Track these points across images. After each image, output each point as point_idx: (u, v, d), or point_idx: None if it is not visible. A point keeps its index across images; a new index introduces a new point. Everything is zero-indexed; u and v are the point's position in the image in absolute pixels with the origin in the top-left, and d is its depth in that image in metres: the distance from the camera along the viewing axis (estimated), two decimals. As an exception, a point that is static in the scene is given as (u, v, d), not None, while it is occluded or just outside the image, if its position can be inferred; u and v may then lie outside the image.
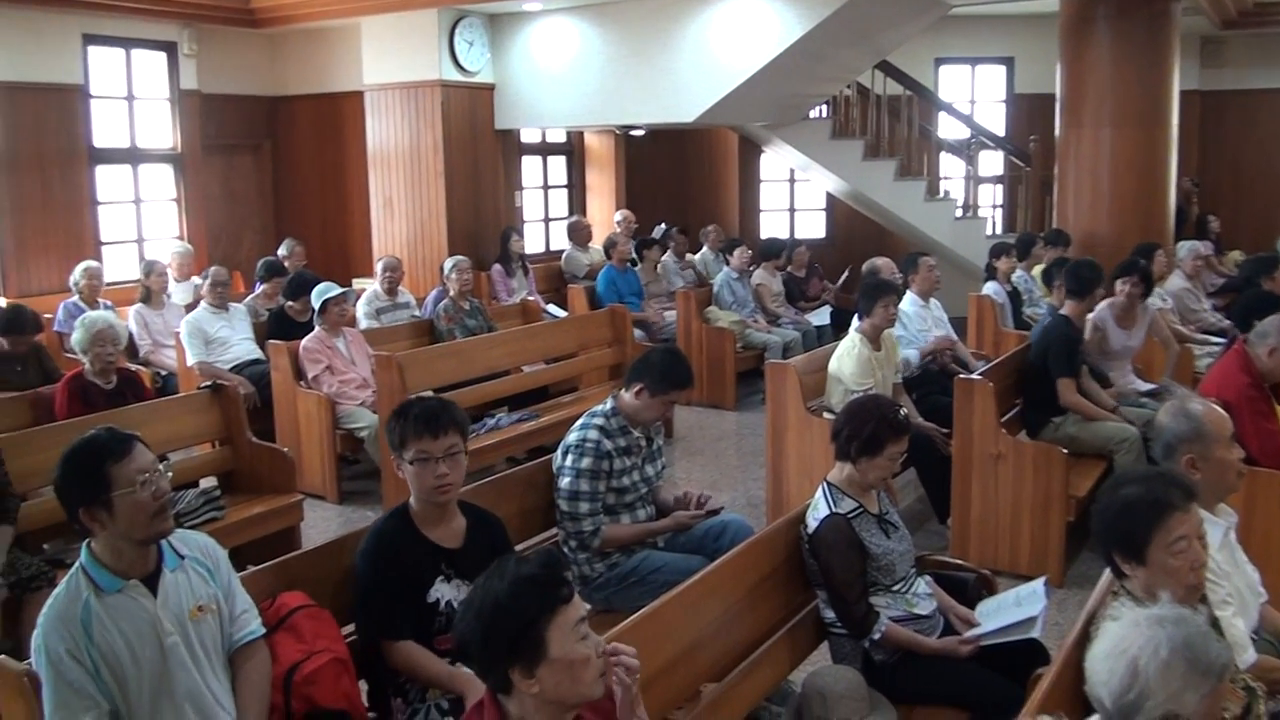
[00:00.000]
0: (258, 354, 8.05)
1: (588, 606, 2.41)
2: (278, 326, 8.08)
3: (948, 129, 13.20)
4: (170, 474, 2.98)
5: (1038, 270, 9.44)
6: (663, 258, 11.36)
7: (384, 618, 3.37)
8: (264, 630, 3.15)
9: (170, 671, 2.86)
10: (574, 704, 2.34)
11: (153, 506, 2.86)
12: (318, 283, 7.71)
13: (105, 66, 11.01)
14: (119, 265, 10.94)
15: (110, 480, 2.82)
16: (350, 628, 3.52)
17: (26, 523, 4.97)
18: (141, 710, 2.83)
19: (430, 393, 6.79)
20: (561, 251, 12.21)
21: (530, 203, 13.08)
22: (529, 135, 12.83)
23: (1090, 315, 6.72)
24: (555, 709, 2.31)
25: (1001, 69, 14.72)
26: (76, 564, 2.88)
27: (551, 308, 10.37)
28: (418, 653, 3.33)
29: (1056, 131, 10.20)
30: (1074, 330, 6.39)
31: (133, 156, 11.35)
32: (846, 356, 6.24)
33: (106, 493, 2.82)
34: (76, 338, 6.16)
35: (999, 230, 12.53)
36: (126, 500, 2.82)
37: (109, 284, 9.43)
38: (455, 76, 10.88)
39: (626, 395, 4.51)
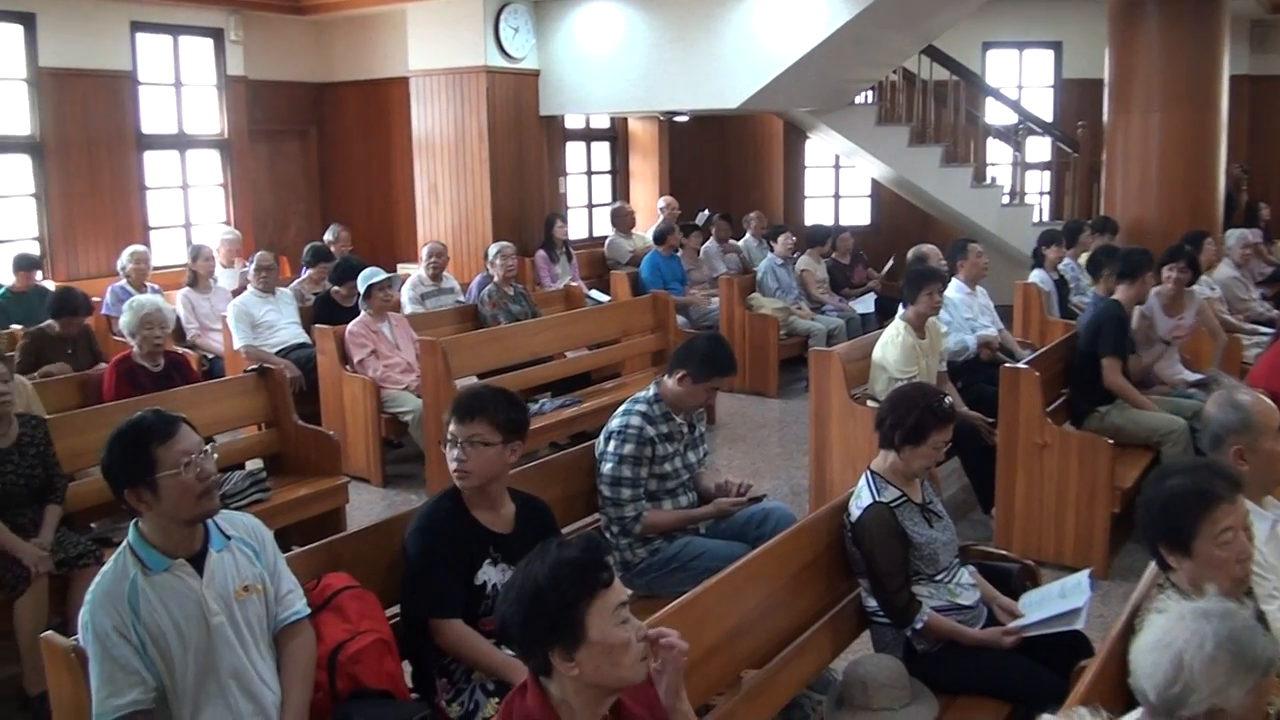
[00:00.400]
0: (304, 338, 8.13)
1: (629, 592, 2.42)
2: (324, 311, 8.15)
3: (995, 114, 13.06)
4: (216, 455, 3.01)
5: (1085, 258, 9.34)
6: (705, 244, 11.34)
7: (434, 595, 3.40)
8: (309, 610, 3.18)
9: (216, 650, 2.90)
10: (614, 688, 2.35)
11: (198, 488, 2.89)
12: (364, 268, 7.76)
13: (153, 53, 11.13)
14: (166, 250, 11.07)
15: (155, 461, 2.86)
16: (394, 609, 3.55)
17: (74, 502, 5.06)
18: (186, 688, 2.86)
19: (474, 379, 6.86)
20: (605, 237, 12.22)
21: (574, 189, 13.11)
22: (573, 121, 12.84)
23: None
24: (596, 692, 2.32)
25: (1049, 53, 14.54)
26: (124, 543, 2.92)
27: (594, 293, 10.39)
28: (468, 633, 3.35)
29: (1105, 117, 10.08)
30: (1125, 314, 6.35)
31: (180, 142, 11.47)
32: (891, 344, 6.21)
33: (152, 474, 2.85)
34: (124, 321, 6.24)
35: (1046, 217, 12.39)
36: (171, 481, 2.85)
37: (156, 268, 9.53)
38: (500, 63, 10.89)
39: (669, 381, 4.51)
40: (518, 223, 11.13)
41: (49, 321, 7.08)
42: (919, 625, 3.69)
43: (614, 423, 4.50)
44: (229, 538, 3.04)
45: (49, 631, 2.95)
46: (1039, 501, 5.79)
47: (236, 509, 4.26)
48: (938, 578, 3.79)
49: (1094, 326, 6.29)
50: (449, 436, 3.46)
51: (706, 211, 12.65)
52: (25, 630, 4.37)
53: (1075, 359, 6.43)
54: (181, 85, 11.44)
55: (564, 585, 2.27)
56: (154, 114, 11.16)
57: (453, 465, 3.45)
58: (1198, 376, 6.85)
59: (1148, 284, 6.56)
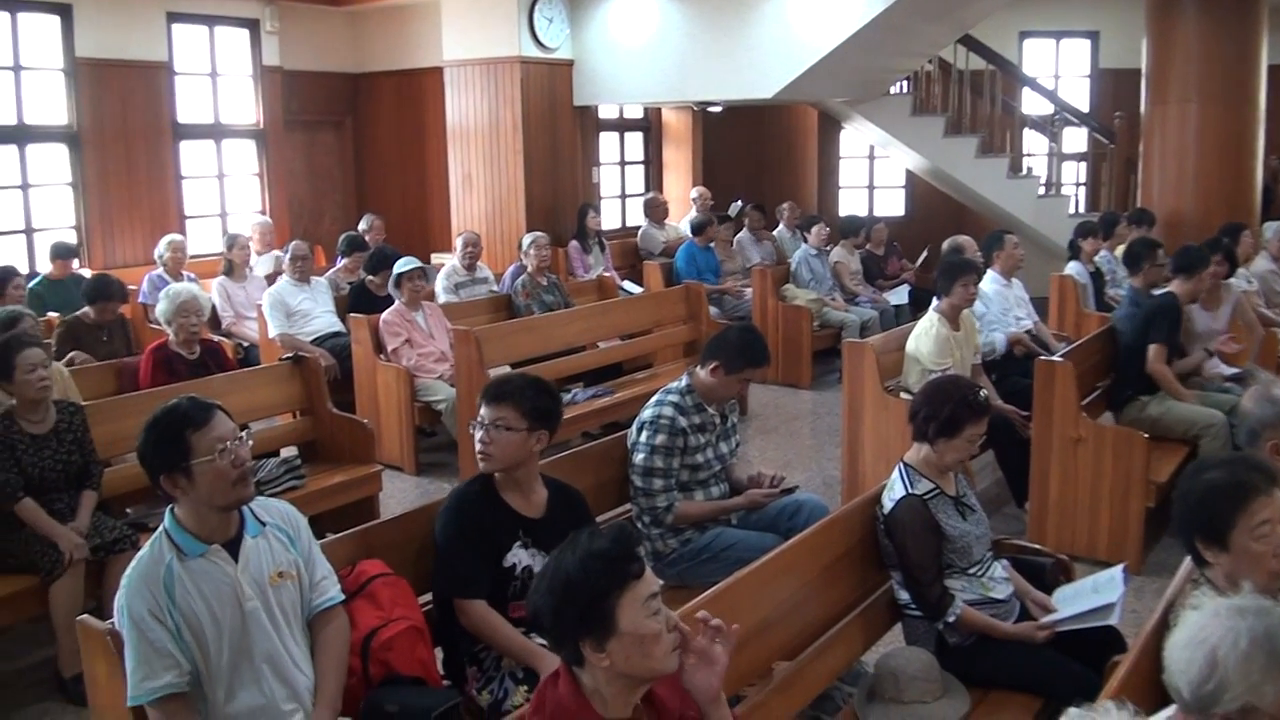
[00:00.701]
0: (339, 327, 8.17)
1: (660, 582, 2.42)
2: (359, 300, 8.19)
3: (1031, 105, 12.98)
4: (251, 442, 3.03)
5: (1121, 251, 9.26)
6: (739, 235, 11.32)
7: (459, 574, 3.43)
8: (343, 597, 3.21)
9: (250, 634, 2.92)
10: (646, 678, 2.35)
11: (232, 474, 2.91)
12: (398, 258, 7.79)
13: (189, 43, 11.23)
14: (202, 239, 11.17)
15: (190, 448, 2.88)
16: (427, 597, 3.57)
17: (111, 487, 5.12)
18: (221, 672, 2.89)
19: (508, 368, 6.88)
20: (637, 228, 12.21)
21: (607, 179, 13.11)
22: (606, 111, 12.84)
23: None
24: (627, 682, 2.33)
25: (1086, 43, 14.44)
26: (160, 528, 2.94)
27: (627, 284, 10.39)
28: (491, 615, 3.38)
29: (1142, 108, 10.00)
30: (1180, 308, 6.32)
31: (216, 132, 11.56)
32: (924, 336, 6.18)
33: (187, 460, 2.88)
34: (161, 309, 6.28)
35: (1082, 209, 12.31)
36: (206, 468, 2.88)
37: (192, 257, 9.61)
38: (534, 53, 10.90)
39: (702, 372, 4.51)
40: (551, 213, 11.14)
41: (84, 309, 7.15)
42: (951, 618, 3.67)
43: (646, 413, 4.50)
44: (264, 524, 3.07)
45: (85, 615, 2.98)
46: (1073, 495, 5.74)
47: (271, 495, 4.30)
48: (971, 571, 3.77)
49: (1147, 316, 6.26)
50: (478, 418, 3.51)
51: (740, 202, 12.62)
52: (61, 613, 4.43)
53: (1120, 350, 6.39)
54: (217, 75, 11.54)
55: (595, 577, 2.27)
56: (190, 104, 11.26)
57: (477, 447, 3.50)
58: (1234, 371, 6.78)
59: (1204, 281, 6.51)
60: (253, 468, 3.00)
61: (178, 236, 9.36)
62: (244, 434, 3.01)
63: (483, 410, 3.51)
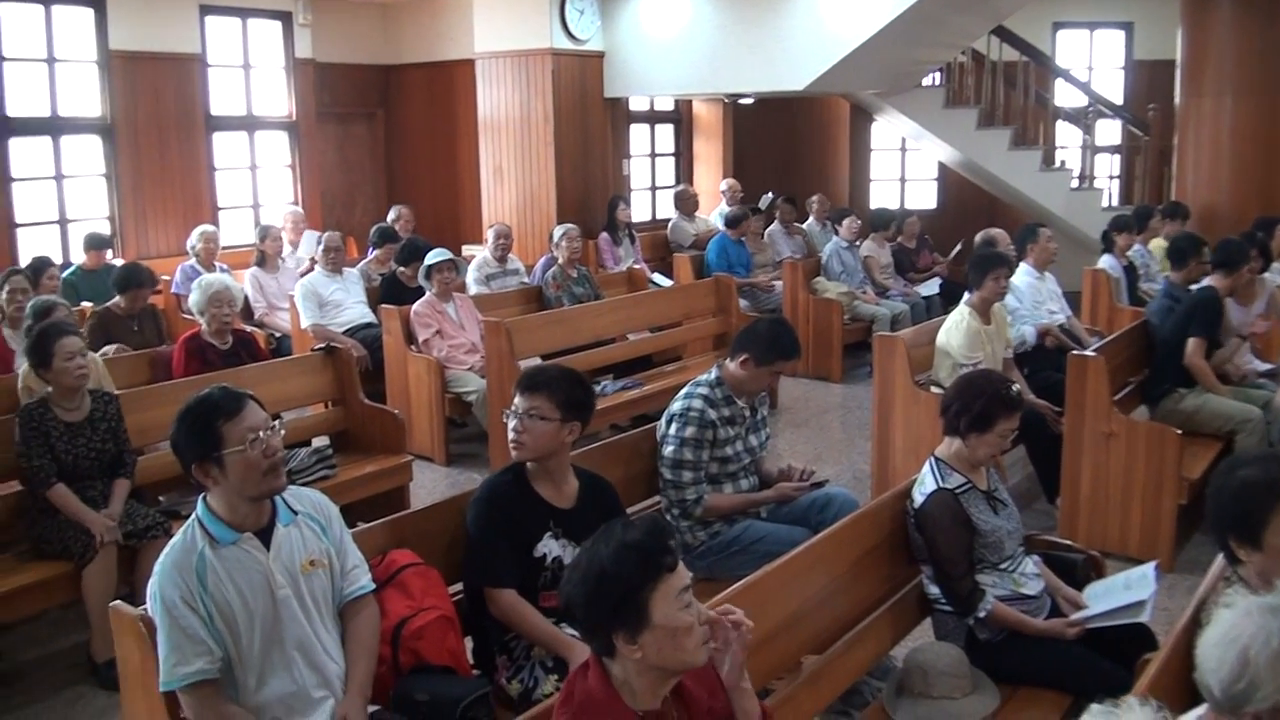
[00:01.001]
0: (370, 317, 8.21)
1: (690, 574, 2.42)
2: (390, 291, 8.22)
3: (1064, 97, 12.87)
4: (283, 432, 3.04)
5: (1155, 244, 9.18)
6: (770, 227, 11.29)
7: (489, 564, 3.45)
8: (374, 586, 3.22)
9: (281, 621, 2.94)
10: (677, 670, 2.35)
11: (264, 464, 2.93)
12: (429, 249, 7.82)
13: (222, 36, 11.27)
14: (235, 229, 11.23)
15: (222, 437, 2.90)
16: (457, 586, 3.59)
17: (143, 476, 5.18)
18: (252, 658, 2.91)
19: (538, 359, 6.90)
20: (667, 220, 12.20)
21: (637, 171, 13.10)
22: (637, 103, 12.82)
23: None
24: (658, 674, 2.33)
25: (1121, 34, 14.32)
26: (193, 516, 2.97)
27: (657, 276, 10.39)
28: (520, 604, 3.40)
29: (1176, 100, 9.90)
30: (1221, 302, 6.27)
31: (249, 124, 11.61)
32: (955, 329, 6.15)
33: (218, 449, 2.90)
34: (194, 299, 6.33)
35: (1115, 202, 12.19)
36: (237, 457, 2.90)
37: (225, 248, 9.67)
38: (566, 45, 10.90)
39: (732, 365, 4.50)
40: (581, 205, 11.14)
41: (115, 299, 7.22)
42: (982, 614, 3.66)
43: (676, 405, 4.50)
44: (296, 513, 3.09)
45: (117, 601, 3.02)
46: (1105, 491, 5.71)
47: (302, 485, 4.32)
48: (1002, 566, 3.75)
49: (1189, 310, 6.21)
50: (512, 407, 3.53)
51: (770, 195, 12.58)
52: (94, 599, 4.49)
53: (1156, 343, 6.34)
54: (250, 67, 11.58)
55: (628, 569, 2.27)
56: (222, 96, 11.31)
57: (510, 436, 3.52)
58: (1268, 366, 6.72)
59: (1243, 276, 6.46)
60: (284, 458, 3.02)
61: (210, 227, 9.41)
62: (276, 424, 3.03)
63: (517, 399, 3.53)
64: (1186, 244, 6.96)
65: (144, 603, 2.92)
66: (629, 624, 2.26)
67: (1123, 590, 3.69)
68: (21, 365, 5.60)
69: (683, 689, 2.43)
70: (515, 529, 3.46)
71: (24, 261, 8.06)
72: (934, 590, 3.82)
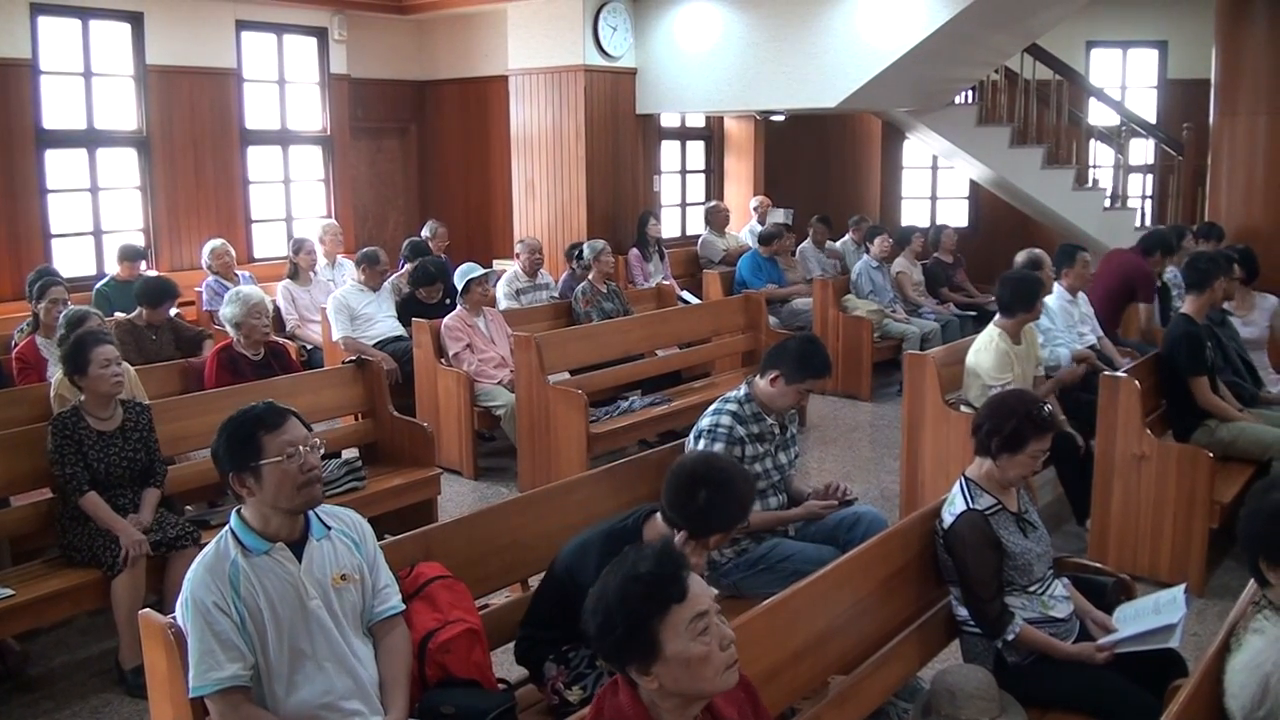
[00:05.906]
0: (401, 331, 8.25)
1: (714, 592, 2.39)
2: (407, 310, 8.30)
3: (1098, 115, 12.81)
4: (322, 449, 3.08)
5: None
6: (801, 245, 11.28)
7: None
8: (403, 607, 3.23)
9: (311, 631, 2.96)
10: (698, 697, 2.33)
11: (299, 478, 2.96)
12: (443, 272, 7.87)
13: (258, 51, 11.39)
14: (268, 242, 11.34)
15: (261, 449, 2.95)
16: (484, 600, 3.59)
17: (174, 485, 5.22)
18: (281, 667, 2.93)
19: (567, 374, 6.90)
20: (697, 236, 12.21)
21: (668, 187, 13.12)
22: (668, 120, 12.85)
23: None
24: (682, 700, 2.31)
25: (1154, 53, 14.25)
26: (226, 527, 3.00)
27: (686, 294, 10.40)
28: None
29: (1210, 119, 9.81)
30: (1196, 327, 6.10)
31: (283, 138, 11.72)
32: (984, 350, 6.11)
33: (256, 460, 2.94)
34: (230, 312, 6.35)
35: (1149, 222, 12.10)
36: (274, 470, 2.94)
37: (259, 260, 9.73)
38: (598, 61, 10.94)
39: (761, 382, 4.49)
40: (612, 220, 11.17)
41: (137, 310, 7.28)
42: (1010, 636, 3.63)
43: (704, 421, 4.50)
44: (329, 529, 3.11)
45: (146, 609, 3.04)
46: (1135, 514, 5.66)
47: (332, 496, 4.35)
48: (1031, 589, 3.73)
49: (1170, 354, 6.08)
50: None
51: (786, 212, 12.58)
52: (123, 606, 4.53)
53: (1163, 377, 6.24)
54: (285, 83, 11.69)
55: (632, 604, 2.23)
56: (257, 110, 11.42)
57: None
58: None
59: (1217, 292, 6.27)
60: (319, 474, 3.05)
61: (218, 241, 9.49)
62: (315, 440, 3.06)
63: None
64: (1209, 265, 6.32)
65: (173, 611, 2.94)
66: (639, 657, 2.24)
67: (1152, 614, 3.65)
68: (54, 374, 5.65)
69: (713, 706, 2.41)
70: None
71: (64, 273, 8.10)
72: (962, 612, 3.79)
